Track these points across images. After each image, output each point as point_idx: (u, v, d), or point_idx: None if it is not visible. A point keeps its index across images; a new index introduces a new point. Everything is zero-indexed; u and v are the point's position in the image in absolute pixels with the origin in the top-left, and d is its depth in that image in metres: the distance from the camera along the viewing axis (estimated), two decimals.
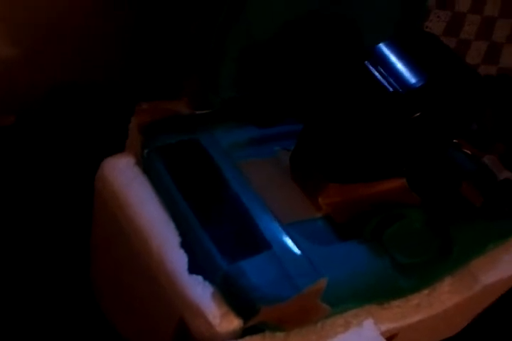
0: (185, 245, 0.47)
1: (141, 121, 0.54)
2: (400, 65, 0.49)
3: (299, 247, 0.46)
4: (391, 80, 0.47)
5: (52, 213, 0.70)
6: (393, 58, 0.49)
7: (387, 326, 0.49)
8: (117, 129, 0.60)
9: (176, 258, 0.46)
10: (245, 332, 0.44)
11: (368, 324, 0.47)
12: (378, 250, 0.49)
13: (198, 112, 0.54)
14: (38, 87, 0.76)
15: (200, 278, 0.45)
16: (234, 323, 0.44)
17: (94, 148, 0.72)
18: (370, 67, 0.47)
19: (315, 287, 0.42)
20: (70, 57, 0.74)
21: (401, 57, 0.50)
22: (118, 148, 0.56)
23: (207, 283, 0.45)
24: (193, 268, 0.46)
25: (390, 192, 0.56)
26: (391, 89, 0.46)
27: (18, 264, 0.66)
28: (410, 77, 0.48)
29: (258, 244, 0.46)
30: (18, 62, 0.72)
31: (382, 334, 0.47)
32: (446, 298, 0.52)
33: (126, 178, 0.52)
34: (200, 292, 0.45)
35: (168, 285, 0.46)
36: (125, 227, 0.50)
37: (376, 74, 0.47)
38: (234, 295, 0.43)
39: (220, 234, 0.47)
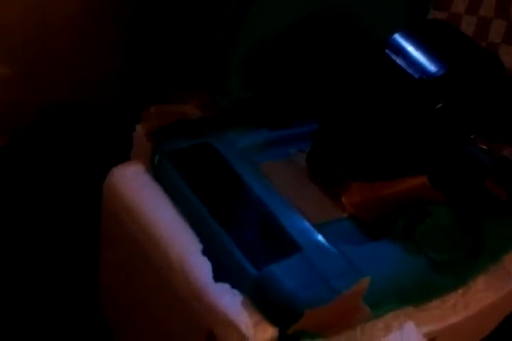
0: (207, 252, 0.44)
1: (149, 128, 0.51)
2: (418, 54, 0.47)
3: (331, 248, 0.43)
4: (413, 69, 0.45)
5: (52, 232, 0.67)
6: (410, 48, 0.47)
7: (427, 328, 0.46)
8: (110, 146, 0.57)
9: (199, 266, 0.43)
10: None
11: (409, 326, 0.44)
12: (412, 248, 0.46)
13: (207, 115, 0.52)
14: (30, 107, 0.74)
15: (227, 286, 0.42)
16: (269, 332, 0.40)
17: (88, 165, 0.70)
18: (392, 56, 0.45)
19: (358, 287, 0.39)
20: (61, 77, 0.72)
21: (418, 46, 0.48)
22: (112, 164, 0.54)
23: (235, 291, 0.42)
24: (219, 276, 0.43)
25: (412, 190, 0.54)
26: (417, 77, 0.44)
27: (24, 283, 0.64)
28: (431, 66, 0.46)
29: (287, 246, 0.43)
30: (9, 82, 0.70)
31: (424, 335, 0.44)
32: (482, 297, 0.50)
33: (137, 186, 0.49)
34: (229, 301, 0.41)
35: (192, 295, 0.43)
36: (139, 237, 0.47)
37: (399, 62, 0.45)
38: (268, 302, 0.40)
39: (246, 238, 0.44)
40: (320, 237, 0.44)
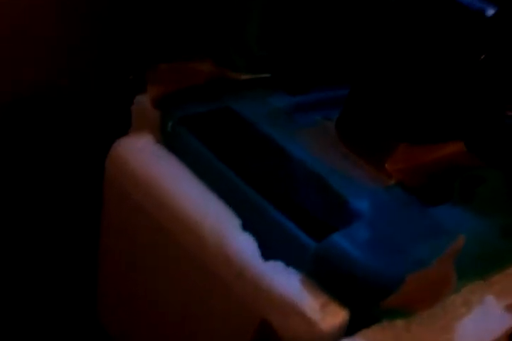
0: (247, 227, 0.37)
1: (156, 92, 0.43)
2: None
3: (397, 212, 0.36)
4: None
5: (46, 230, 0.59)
6: None
7: (506, 301, 0.39)
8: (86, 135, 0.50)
9: (241, 244, 0.35)
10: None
11: (490, 300, 0.37)
12: (476, 213, 0.40)
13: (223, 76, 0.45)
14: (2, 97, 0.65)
15: (280, 264, 0.35)
16: (340, 316, 0.33)
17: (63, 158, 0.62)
18: None
19: (453, 247, 0.32)
20: (34, 66, 0.64)
21: None
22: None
23: (291, 270, 0.34)
24: (267, 254, 0.35)
25: (451, 156, 0.48)
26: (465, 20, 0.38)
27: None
28: (481, 6, 0.41)
29: (346, 213, 0.36)
30: None
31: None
32: None
33: (150, 158, 0.41)
34: (285, 281, 0.34)
35: (236, 280, 0.35)
36: (158, 217, 0.39)
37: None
38: (337, 278, 0.33)
39: (294, 207, 0.37)
40: (381, 202, 0.37)
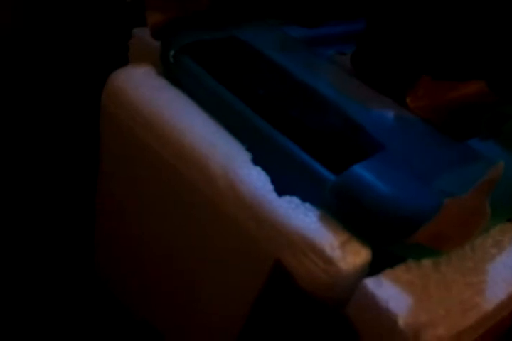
0: (259, 161, 0.34)
1: (155, 22, 0.40)
2: None
3: (417, 144, 0.33)
4: None
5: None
6: None
7: None
8: None
9: (252, 179, 0.32)
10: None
11: None
12: (504, 148, 0.37)
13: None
14: None
15: (296, 199, 0.32)
16: (362, 254, 0.30)
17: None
18: None
19: (493, 172, 0.29)
20: None
21: None
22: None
23: (308, 205, 0.32)
24: (282, 189, 0.32)
25: (473, 94, 0.45)
26: None
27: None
28: None
29: (366, 144, 0.33)
30: None
31: None
32: None
33: (151, 89, 0.37)
34: (301, 218, 0.31)
35: (248, 215, 0.32)
36: (161, 152, 0.35)
37: None
38: (360, 213, 0.30)
39: (310, 138, 0.33)
40: (403, 133, 0.34)
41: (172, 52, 0.38)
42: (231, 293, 0.35)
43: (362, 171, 0.30)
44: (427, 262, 0.31)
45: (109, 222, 0.45)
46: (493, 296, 0.30)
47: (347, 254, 0.30)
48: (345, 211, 0.30)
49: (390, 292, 0.28)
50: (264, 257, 0.32)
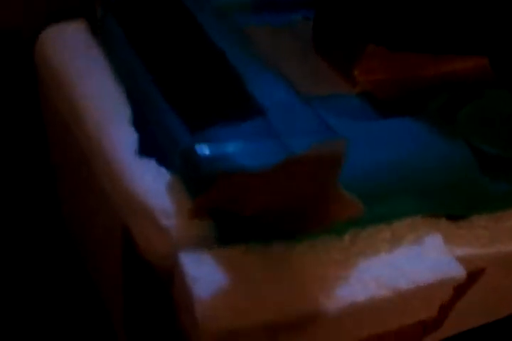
0: (142, 124, 0.31)
1: None
2: None
3: (307, 109, 0.29)
4: None
5: None
6: None
7: (466, 251, 0.30)
8: None
9: (119, 136, 0.30)
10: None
11: (434, 241, 0.28)
12: (448, 131, 0.31)
13: None
14: None
15: (152, 162, 0.29)
16: (200, 225, 0.27)
17: None
18: None
19: (323, 148, 0.24)
20: None
21: None
22: None
23: (162, 170, 0.29)
24: (147, 151, 0.30)
25: (459, 73, 0.38)
26: None
27: None
28: None
29: (244, 110, 0.29)
30: None
31: (459, 261, 0.29)
32: None
33: (74, 51, 0.36)
34: (149, 182, 0.28)
35: (108, 176, 0.30)
36: (67, 119, 0.35)
37: None
38: (197, 180, 0.27)
39: (188, 101, 0.31)
40: (297, 101, 0.30)
41: (100, 10, 0.37)
42: (109, 255, 0.33)
43: (211, 135, 0.27)
44: (279, 246, 0.27)
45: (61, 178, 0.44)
46: (346, 296, 0.25)
47: (182, 224, 0.26)
48: (187, 178, 0.27)
49: (202, 271, 0.25)
50: (117, 224, 0.29)
